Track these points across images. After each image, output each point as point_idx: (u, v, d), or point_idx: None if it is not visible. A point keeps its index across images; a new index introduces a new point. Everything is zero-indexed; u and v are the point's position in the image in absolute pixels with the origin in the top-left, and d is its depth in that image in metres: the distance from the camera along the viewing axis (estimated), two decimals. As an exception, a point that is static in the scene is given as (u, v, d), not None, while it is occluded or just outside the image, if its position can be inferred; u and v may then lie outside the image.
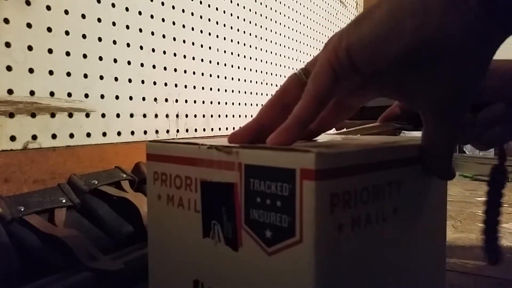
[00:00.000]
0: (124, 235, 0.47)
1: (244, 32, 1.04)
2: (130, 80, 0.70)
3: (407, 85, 0.25)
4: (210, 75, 0.91)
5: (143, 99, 0.73)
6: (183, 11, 0.82)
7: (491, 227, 0.35)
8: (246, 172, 0.22)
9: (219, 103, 0.95)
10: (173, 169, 0.27)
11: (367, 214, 0.22)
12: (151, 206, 0.29)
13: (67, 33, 0.59)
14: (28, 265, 0.38)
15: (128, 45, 0.70)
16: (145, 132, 0.74)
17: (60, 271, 0.36)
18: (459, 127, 0.25)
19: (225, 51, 0.96)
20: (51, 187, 0.50)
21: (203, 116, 0.89)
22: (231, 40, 0.99)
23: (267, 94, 1.14)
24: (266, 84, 1.14)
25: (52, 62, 0.57)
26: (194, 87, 0.86)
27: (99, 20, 0.64)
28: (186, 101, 0.84)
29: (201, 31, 0.88)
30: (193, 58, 0.86)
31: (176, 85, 0.81)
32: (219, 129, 0.95)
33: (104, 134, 0.66)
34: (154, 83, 0.76)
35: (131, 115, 0.71)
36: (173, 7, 0.80)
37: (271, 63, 1.17)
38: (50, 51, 0.57)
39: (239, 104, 1.03)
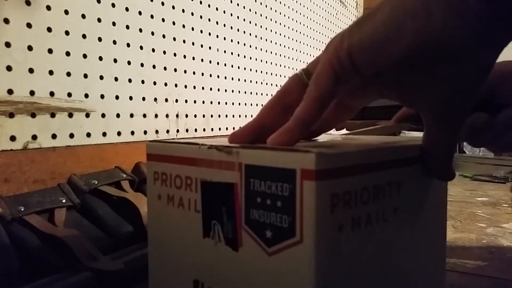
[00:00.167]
0: (124, 235, 0.47)
1: (244, 32, 1.04)
2: (130, 80, 0.70)
3: (408, 87, 0.25)
4: (210, 75, 0.91)
5: (143, 99, 0.73)
6: (183, 11, 0.82)
7: None
8: (246, 172, 0.22)
9: (219, 103, 0.95)
10: (173, 169, 0.27)
11: (367, 214, 0.22)
12: (151, 206, 0.29)
13: (67, 33, 0.59)
14: (28, 265, 0.38)
15: (128, 45, 0.70)
16: (145, 132, 0.74)
17: (60, 271, 0.36)
18: (459, 128, 0.25)
19: (225, 51, 0.96)
20: (51, 187, 0.50)
21: (203, 116, 0.89)
22: (231, 40, 0.99)
23: (267, 94, 1.14)
24: (266, 84, 1.14)
25: (52, 62, 0.57)
26: (194, 87, 0.86)
27: (99, 20, 0.64)
28: (186, 101, 0.84)
29: (201, 31, 0.88)
30: (193, 58, 0.86)
31: (176, 85, 0.81)
32: (219, 129, 0.95)
33: (104, 134, 0.66)
34: (154, 83, 0.76)
35: (131, 115, 0.71)
36: (173, 7, 0.80)
37: (271, 63, 1.17)
38: (50, 51, 0.57)
39: (239, 104, 1.03)
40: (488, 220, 0.65)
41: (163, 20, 0.77)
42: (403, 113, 0.37)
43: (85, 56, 0.62)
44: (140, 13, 0.72)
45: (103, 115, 0.66)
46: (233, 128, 0.99)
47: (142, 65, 0.73)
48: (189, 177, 0.26)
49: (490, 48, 0.22)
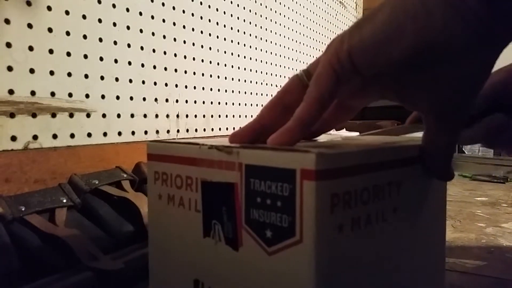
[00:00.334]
0: (125, 235, 0.47)
1: (244, 32, 1.04)
2: (130, 81, 0.70)
3: (408, 87, 0.25)
4: (211, 76, 0.91)
5: (144, 99, 0.73)
6: (183, 12, 0.82)
7: None
8: (246, 172, 0.22)
9: (219, 103, 0.95)
10: (173, 169, 0.27)
11: (367, 214, 0.22)
12: (151, 206, 0.29)
13: (67, 33, 0.59)
14: (28, 264, 0.38)
15: (128, 45, 0.70)
16: (146, 132, 0.74)
17: (61, 271, 0.36)
18: (459, 128, 0.25)
19: (225, 52, 0.96)
20: (51, 187, 0.50)
21: (204, 116, 0.89)
22: (231, 41, 0.99)
23: (267, 95, 1.14)
24: (266, 84, 1.14)
25: (53, 63, 0.58)
26: (195, 88, 0.86)
27: (99, 20, 0.64)
28: (186, 101, 0.84)
29: (202, 32, 0.88)
30: (194, 59, 0.86)
31: (176, 86, 0.81)
32: (219, 129, 0.95)
33: (105, 134, 0.66)
34: (155, 83, 0.76)
35: (132, 115, 0.71)
36: (174, 8, 0.80)
37: (271, 63, 1.17)
38: (51, 51, 0.57)
39: (239, 104, 1.03)
40: (487, 220, 0.65)
41: (163, 20, 0.77)
42: (417, 114, 0.37)
43: (86, 56, 0.62)
44: (140, 13, 0.72)
45: (103, 115, 0.66)
46: (233, 128, 0.99)
47: (142, 65, 0.73)
48: (189, 177, 0.26)
49: (490, 48, 0.22)
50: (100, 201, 0.50)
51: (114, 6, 0.67)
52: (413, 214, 0.27)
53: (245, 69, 1.04)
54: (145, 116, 0.74)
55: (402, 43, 0.22)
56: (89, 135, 0.63)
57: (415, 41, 0.21)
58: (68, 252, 0.39)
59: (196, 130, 0.87)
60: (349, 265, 0.22)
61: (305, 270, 0.20)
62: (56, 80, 0.58)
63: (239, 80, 1.02)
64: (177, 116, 0.81)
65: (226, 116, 0.98)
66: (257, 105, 1.09)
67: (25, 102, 0.54)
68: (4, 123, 0.52)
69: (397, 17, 0.22)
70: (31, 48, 0.55)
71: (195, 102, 0.87)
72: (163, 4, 0.77)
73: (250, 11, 1.06)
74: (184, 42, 0.83)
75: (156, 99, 0.76)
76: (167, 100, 0.79)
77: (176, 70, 0.81)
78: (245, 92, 1.05)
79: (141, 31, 0.72)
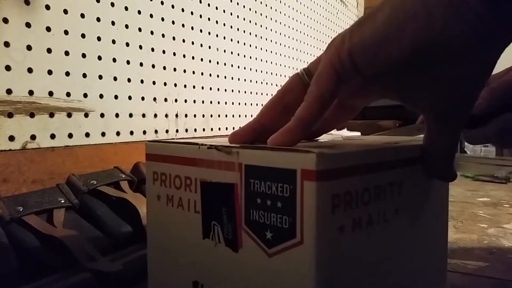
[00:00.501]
0: (123, 235, 0.46)
1: (244, 31, 1.03)
2: (129, 80, 0.70)
3: (409, 87, 0.25)
4: (210, 75, 0.91)
5: (142, 98, 0.73)
6: (182, 10, 0.82)
7: None
8: (246, 172, 0.22)
9: (219, 102, 0.95)
10: (172, 169, 0.27)
11: (368, 215, 0.22)
12: (150, 207, 0.29)
13: (66, 32, 0.59)
14: (26, 265, 0.38)
15: (127, 44, 0.69)
16: (144, 132, 0.73)
17: (59, 272, 0.36)
18: (460, 128, 0.25)
19: (225, 51, 0.96)
20: (49, 187, 0.50)
21: (203, 116, 0.89)
22: (231, 40, 0.98)
23: (267, 94, 1.14)
24: (266, 83, 1.14)
25: (51, 62, 0.57)
26: (194, 87, 0.86)
27: (98, 19, 0.64)
28: (185, 100, 0.84)
29: (201, 30, 0.88)
30: (193, 58, 0.86)
31: (175, 85, 0.81)
32: (219, 129, 0.95)
33: (103, 134, 0.66)
34: (153, 82, 0.75)
35: (130, 115, 0.71)
36: (173, 6, 0.80)
37: (271, 62, 1.17)
38: (49, 50, 0.57)
39: (239, 103, 1.03)
40: (489, 221, 0.64)
41: (162, 19, 0.77)
42: None
43: (84, 55, 0.62)
44: (139, 12, 0.72)
45: (102, 115, 0.65)
46: (233, 128, 0.99)
47: (141, 64, 0.72)
48: (188, 178, 0.26)
49: (491, 49, 0.22)
50: (98, 202, 0.50)
51: (112, 4, 0.66)
52: (415, 214, 0.27)
53: (245, 68, 1.04)
54: (143, 115, 0.73)
55: (402, 43, 0.22)
56: (87, 135, 0.63)
57: (415, 41, 0.21)
58: (66, 253, 0.39)
59: (195, 130, 0.87)
60: (350, 265, 0.21)
61: (306, 271, 0.20)
62: (54, 79, 0.58)
63: (239, 79, 1.02)
64: (176, 115, 0.81)
65: (226, 115, 0.97)
66: (257, 104, 1.09)
67: (23, 101, 0.54)
68: (2, 123, 0.52)
69: (397, 17, 0.22)
70: (29, 48, 0.54)
71: (194, 101, 0.86)
72: (162, 3, 0.77)
73: (250, 9, 1.05)
74: (183, 41, 0.82)
75: (154, 99, 0.76)
76: (166, 100, 0.78)
77: (175, 69, 0.81)
78: (245, 92, 1.05)
79: (139, 30, 0.72)
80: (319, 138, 0.30)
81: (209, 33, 0.90)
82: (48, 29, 0.57)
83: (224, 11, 0.95)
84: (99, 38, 0.64)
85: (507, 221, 0.64)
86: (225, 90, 0.97)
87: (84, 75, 0.62)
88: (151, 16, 0.74)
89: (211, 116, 0.92)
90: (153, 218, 0.29)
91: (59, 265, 0.38)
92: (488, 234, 0.57)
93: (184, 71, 0.83)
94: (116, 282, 0.37)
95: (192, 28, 0.85)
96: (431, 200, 0.28)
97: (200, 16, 0.87)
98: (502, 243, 0.53)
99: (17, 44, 0.53)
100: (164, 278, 0.28)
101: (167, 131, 0.79)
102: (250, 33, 1.06)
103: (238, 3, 1.00)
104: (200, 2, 0.87)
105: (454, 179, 0.27)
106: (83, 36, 0.62)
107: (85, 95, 0.62)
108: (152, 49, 0.75)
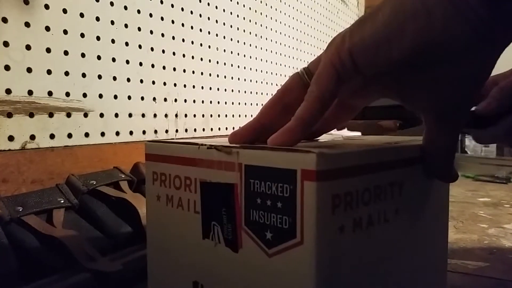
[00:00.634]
0: (123, 236, 0.46)
1: (244, 30, 1.03)
2: (128, 80, 0.70)
3: (408, 86, 0.25)
4: (210, 74, 0.91)
5: (142, 98, 0.73)
6: (182, 9, 0.82)
7: None
8: (246, 172, 0.22)
9: (218, 102, 0.95)
10: (172, 170, 0.27)
11: (368, 215, 0.22)
12: (150, 207, 0.29)
13: (65, 32, 0.59)
14: (26, 266, 0.38)
15: (126, 44, 0.69)
16: (144, 132, 0.73)
17: (58, 272, 0.36)
18: (459, 128, 0.25)
19: (224, 50, 0.96)
20: (49, 187, 0.50)
21: (203, 115, 0.89)
22: (231, 39, 0.98)
23: (267, 94, 1.14)
24: (266, 83, 1.14)
25: (50, 62, 0.57)
26: (194, 87, 0.86)
27: (97, 19, 0.64)
28: (185, 100, 0.84)
29: (201, 30, 0.87)
30: (192, 57, 0.85)
31: (175, 85, 0.81)
32: (219, 129, 0.95)
33: (103, 134, 0.65)
34: (153, 82, 0.75)
35: (130, 115, 0.70)
36: (172, 6, 0.79)
37: (271, 62, 1.16)
38: (48, 50, 0.57)
39: (239, 103, 1.02)
40: (489, 221, 0.64)
41: (162, 18, 0.77)
42: None
43: (83, 55, 0.62)
44: (138, 11, 0.72)
45: (101, 115, 0.65)
46: (233, 128, 0.98)
47: (140, 64, 0.72)
48: (188, 178, 0.25)
49: (491, 48, 0.22)
50: (98, 202, 0.50)
51: (112, 4, 0.66)
52: (415, 214, 0.27)
53: (245, 67, 1.04)
54: (143, 115, 0.73)
55: (402, 42, 0.21)
56: (87, 135, 0.63)
57: (415, 41, 0.21)
58: (66, 253, 0.38)
59: (195, 130, 0.87)
60: (350, 265, 0.21)
61: (306, 271, 0.20)
62: (53, 79, 0.57)
63: (239, 79, 1.02)
64: (176, 115, 0.81)
65: (226, 115, 0.97)
66: (257, 104, 1.09)
67: (22, 101, 0.54)
68: (1, 123, 0.51)
69: (397, 17, 0.22)
70: (28, 47, 0.54)
71: (194, 101, 0.86)
72: (161, 2, 0.77)
73: (250, 8, 1.05)
74: (183, 40, 0.82)
75: (154, 99, 0.75)
76: (165, 100, 0.78)
77: (174, 69, 0.80)
78: (245, 91, 1.05)
79: (139, 29, 0.72)
80: (319, 138, 0.30)
81: (209, 33, 0.90)
82: (47, 28, 0.57)
83: (223, 10, 0.95)
84: (98, 38, 0.64)
85: (508, 221, 0.64)
86: (225, 90, 0.97)
87: (84, 75, 0.62)
88: (151, 15, 0.74)
89: (211, 116, 0.92)
90: (153, 218, 0.29)
91: (58, 265, 0.38)
92: (489, 234, 0.57)
93: (184, 70, 0.83)
94: (115, 282, 0.37)
95: (192, 27, 0.85)
96: (431, 200, 0.28)
97: (200, 15, 0.87)
98: (503, 243, 0.53)
99: (16, 44, 0.53)
100: (164, 278, 0.28)
101: (166, 131, 0.79)
102: (250, 33, 1.06)
103: (238, 2, 1.00)
104: (200, 1, 0.87)
105: (456, 180, 0.27)
106: (82, 35, 0.62)
107: (85, 95, 0.62)
108: (152, 49, 0.75)
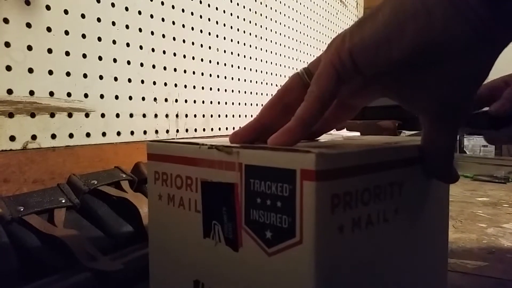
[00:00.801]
0: (124, 235, 0.46)
1: (244, 31, 1.03)
2: (129, 80, 0.70)
3: (408, 86, 0.25)
4: (210, 75, 0.91)
5: (143, 99, 0.73)
6: (182, 10, 0.82)
7: None
8: (246, 172, 0.22)
9: (219, 103, 0.95)
10: (173, 169, 0.27)
11: (368, 215, 0.22)
12: (151, 206, 0.29)
13: (66, 32, 0.59)
14: (27, 265, 0.38)
15: (127, 44, 0.69)
16: (145, 132, 0.74)
17: (60, 272, 0.36)
18: (458, 128, 0.25)
19: (225, 51, 0.96)
20: (50, 187, 0.50)
21: (203, 116, 0.89)
22: (231, 40, 0.98)
23: (267, 94, 1.14)
24: (266, 84, 1.14)
25: (51, 62, 0.57)
26: (194, 87, 0.86)
27: (98, 19, 0.64)
28: (186, 101, 0.84)
29: (201, 31, 0.88)
30: (193, 58, 0.86)
31: (176, 85, 0.81)
32: (219, 129, 0.95)
33: (104, 134, 0.66)
34: (154, 83, 0.76)
35: (131, 115, 0.71)
36: (173, 7, 0.80)
37: (271, 62, 1.17)
38: (49, 50, 0.57)
39: (239, 104, 1.03)
40: (488, 220, 0.65)
41: (162, 19, 0.77)
42: None
43: (84, 56, 0.62)
44: (139, 12, 0.72)
45: (102, 115, 0.65)
46: (233, 128, 0.99)
47: (141, 65, 0.73)
48: (189, 177, 0.26)
49: (490, 48, 0.22)
50: (99, 202, 0.50)
51: (113, 5, 0.66)
52: (415, 214, 0.27)
53: (245, 68, 1.04)
54: (144, 116, 0.73)
55: (402, 43, 0.22)
56: (88, 135, 0.63)
57: (415, 41, 0.21)
58: (67, 252, 0.39)
59: (195, 130, 0.87)
60: (350, 265, 0.21)
61: (305, 271, 0.20)
62: (55, 79, 0.58)
63: (239, 79, 1.02)
64: (177, 115, 0.81)
65: (226, 116, 0.97)
66: (257, 104, 1.09)
67: (23, 101, 0.54)
68: (2, 123, 0.52)
69: (397, 17, 0.22)
70: (29, 48, 0.55)
71: (194, 101, 0.86)
72: (162, 3, 0.77)
73: (250, 9, 1.05)
74: (184, 41, 0.83)
75: (155, 99, 0.76)
76: (166, 100, 0.79)
77: (175, 70, 0.81)
78: (245, 92, 1.05)
79: (140, 30, 0.72)
80: (319, 138, 0.30)
81: (209, 34, 0.90)
82: (49, 29, 0.57)
83: (224, 11, 0.95)
84: (99, 39, 0.64)
85: (506, 221, 0.64)
86: (225, 90, 0.97)
87: (85, 75, 0.62)
88: (152, 16, 0.74)
89: (211, 116, 0.92)
90: (155, 218, 0.29)
91: (59, 264, 0.38)
92: (487, 233, 0.57)
93: (185, 71, 0.83)
94: (116, 282, 0.37)
95: (193, 28, 0.85)
96: (431, 200, 0.28)
97: (201, 16, 0.87)
98: (501, 243, 0.53)
99: (17, 44, 0.53)
100: (165, 277, 0.28)
101: (167, 131, 0.79)
102: (250, 34, 1.06)
103: (238, 4, 1.00)
104: (201, 2, 0.87)
105: (456, 181, 0.27)
106: (83, 36, 0.62)
107: (86, 95, 0.62)
108: (153, 50, 0.75)
